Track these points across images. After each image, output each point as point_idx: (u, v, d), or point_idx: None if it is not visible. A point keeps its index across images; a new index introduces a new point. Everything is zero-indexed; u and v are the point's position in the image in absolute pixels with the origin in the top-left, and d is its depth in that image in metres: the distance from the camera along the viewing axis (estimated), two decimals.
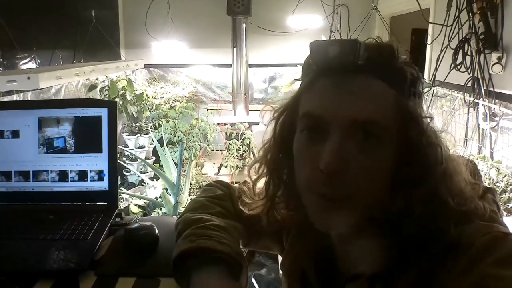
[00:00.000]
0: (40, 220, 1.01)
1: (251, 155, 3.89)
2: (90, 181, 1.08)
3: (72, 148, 1.09)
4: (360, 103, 0.61)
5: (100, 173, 1.08)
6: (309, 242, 0.78)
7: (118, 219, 1.04)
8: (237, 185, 0.97)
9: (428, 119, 0.65)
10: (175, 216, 2.85)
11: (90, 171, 1.08)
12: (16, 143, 1.10)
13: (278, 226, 0.82)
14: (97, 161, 1.08)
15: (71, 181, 1.09)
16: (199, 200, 0.90)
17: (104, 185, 1.08)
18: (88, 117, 1.09)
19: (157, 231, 0.93)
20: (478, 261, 0.56)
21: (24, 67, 2.77)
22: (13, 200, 1.10)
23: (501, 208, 0.73)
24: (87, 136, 1.09)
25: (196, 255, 0.72)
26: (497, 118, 2.28)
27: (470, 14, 2.33)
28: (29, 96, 2.69)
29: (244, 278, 0.77)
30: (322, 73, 0.66)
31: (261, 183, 0.80)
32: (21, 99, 2.55)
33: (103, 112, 1.08)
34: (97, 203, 1.08)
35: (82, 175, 1.08)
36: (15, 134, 1.10)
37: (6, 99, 2.36)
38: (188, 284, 0.71)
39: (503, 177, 2.03)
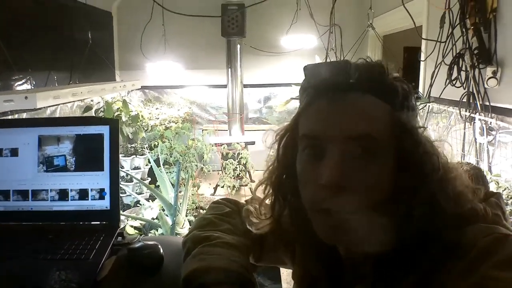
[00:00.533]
0: (40, 239, 0.98)
1: (247, 174, 3.87)
2: (91, 200, 1.06)
3: (73, 166, 1.07)
4: (353, 119, 0.63)
5: (101, 192, 1.06)
6: (317, 252, 0.78)
7: (120, 238, 1.02)
8: (243, 202, 0.95)
9: (423, 130, 0.67)
10: (179, 236, 2.82)
11: (91, 189, 1.06)
12: (15, 161, 1.08)
13: (285, 242, 0.84)
14: (98, 180, 1.06)
15: (71, 200, 1.06)
16: (206, 217, 0.88)
17: (105, 204, 1.06)
18: (89, 135, 1.07)
19: (161, 251, 0.91)
20: (479, 262, 0.56)
21: (19, 88, 2.76)
22: (11, 219, 1.07)
23: (506, 212, 0.72)
24: (88, 154, 1.07)
25: (208, 274, 0.70)
26: (493, 132, 2.29)
27: (464, 30, 2.35)
28: (24, 117, 2.66)
29: None
30: (318, 94, 0.68)
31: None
32: None
33: (104, 130, 1.07)
34: (98, 222, 1.05)
35: (83, 194, 1.06)
36: (14, 152, 1.08)
37: None
38: None
39: (503, 190, 2.02)
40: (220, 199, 0.98)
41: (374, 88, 0.65)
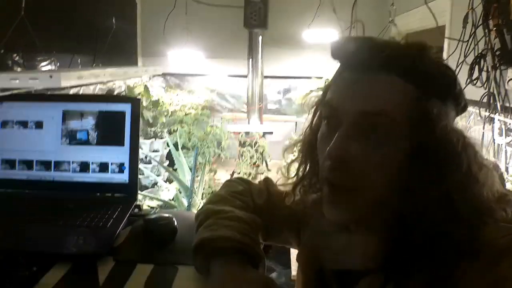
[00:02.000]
0: (60, 208, 1.03)
1: (264, 164, 3.90)
2: (111, 173, 1.11)
3: (95, 140, 1.11)
4: (370, 96, 0.62)
5: (121, 166, 1.11)
6: (325, 233, 0.79)
7: (136, 210, 1.06)
8: (257, 182, 0.99)
9: (453, 125, 0.64)
10: (194, 210, 2.88)
11: (111, 163, 1.11)
12: (39, 133, 1.13)
13: (294, 218, 0.86)
14: (118, 154, 1.11)
15: (92, 172, 1.11)
16: (220, 194, 0.92)
17: (124, 177, 1.11)
18: (111, 112, 1.12)
19: (176, 223, 0.95)
20: (496, 262, 0.55)
21: (43, 69, 2.82)
22: (33, 188, 1.12)
23: None
24: (109, 130, 1.12)
25: (217, 243, 0.74)
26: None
27: (486, 31, 2.33)
28: None
29: (261, 270, 0.79)
30: (345, 67, 0.69)
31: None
32: None
33: (126, 107, 1.11)
34: (117, 195, 1.10)
35: (103, 167, 1.11)
36: (38, 125, 1.13)
37: None
38: (208, 271, 0.73)
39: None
40: (234, 177, 1.02)
41: (405, 71, 0.62)
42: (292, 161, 0.83)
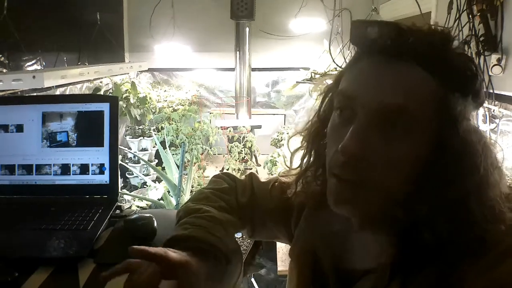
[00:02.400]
0: (42, 212, 1.03)
1: (253, 158, 3.90)
2: (92, 174, 1.11)
3: (75, 142, 1.11)
4: (391, 88, 0.58)
5: (101, 167, 1.10)
6: (325, 225, 0.77)
7: (118, 211, 1.06)
8: (243, 177, 0.98)
9: (472, 121, 0.61)
10: (174, 209, 2.88)
11: (92, 164, 1.11)
12: (20, 137, 1.13)
13: (302, 198, 0.81)
14: (98, 155, 1.10)
15: (73, 174, 1.11)
16: (204, 191, 0.92)
17: (105, 178, 1.10)
18: (90, 112, 1.11)
19: (155, 223, 0.95)
20: (500, 261, 0.54)
21: (29, 69, 2.80)
22: (16, 193, 1.12)
23: None
24: (89, 131, 1.11)
25: (186, 242, 0.73)
26: (496, 120, 2.29)
27: (470, 16, 2.34)
28: None
29: (234, 271, 0.79)
30: (364, 53, 0.64)
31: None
32: None
33: (105, 107, 1.11)
34: (98, 196, 1.10)
35: (84, 169, 1.11)
36: (19, 128, 1.13)
37: None
38: None
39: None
40: (221, 173, 1.00)
41: (428, 61, 0.58)
42: (296, 151, 0.80)
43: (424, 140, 0.58)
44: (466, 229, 0.57)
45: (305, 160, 0.78)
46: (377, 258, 0.67)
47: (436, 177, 0.58)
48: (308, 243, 0.80)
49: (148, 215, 0.97)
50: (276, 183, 0.90)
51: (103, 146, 1.10)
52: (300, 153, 0.80)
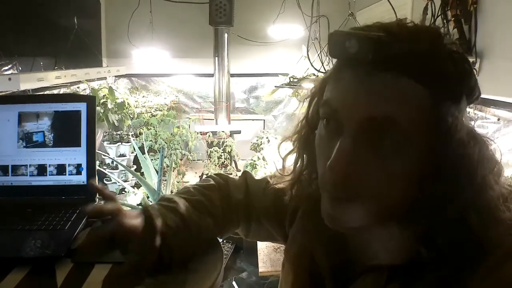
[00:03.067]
0: (19, 213, 1.01)
1: (233, 164, 3.90)
2: (69, 175, 1.09)
3: (51, 142, 1.10)
4: (376, 100, 0.55)
5: (78, 167, 1.09)
6: (322, 225, 0.75)
7: None
8: (237, 177, 0.98)
9: (468, 125, 0.58)
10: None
11: (69, 165, 1.09)
12: None
13: (297, 200, 0.80)
14: (75, 155, 1.09)
15: (49, 175, 1.09)
16: (187, 186, 0.92)
17: (82, 179, 1.09)
18: (67, 111, 1.10)
19: None
20: (502, 263, 0.53)
21: (5, 74, 2.75)
22: None
23: None
24: (66, 131, 1.10)
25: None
26: (472, 122, 2.35)
27: (445, 21, 2.40)
28: None
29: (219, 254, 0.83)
30: (345, 64, 0.61)
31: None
32: None
33: (82, 106, 1.10)
34: (75, 197, 1.08)
35: (61, 169, 1.09)
36: None
37: None
38: None
39: None
40: (214, 173, 1.00)
41: (412, 70, 0.54)
42: (287, 155, 0.79)
43: (416, 152, 0.56)
44: (465, 236, 0.55)
45: (298, 165, 0.76)
46: (374, 259, 0.66)
47: (432, 191, 0.56)
48: (303, 244, 0.79)
49: None
50: (271, 181, 0.89)
51: (80, 146, 1.09)
52: (292, 157, 0.79)
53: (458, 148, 0.55)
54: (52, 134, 1.10)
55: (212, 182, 0.94)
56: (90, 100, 1.10)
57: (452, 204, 0.55)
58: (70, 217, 0.98)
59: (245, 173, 0.98)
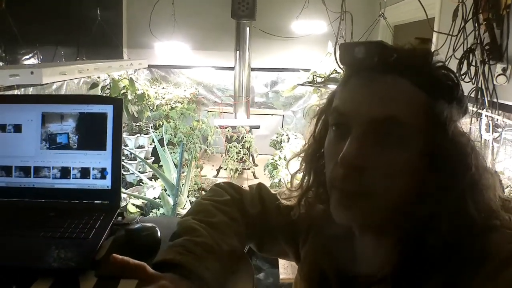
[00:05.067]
0: (40, 217, 0.99)
1: (251, 158, 3.87)
2: (93, 179, 1.06)
3: (75, 144, 1.07)
4: (381, 101, 0.62)
5: (103, 171, 1.06)
6: (331, 242, 0.78)
7: (119, 218, 1.03)
8: (247, 188, 0.95)
9: (463, 127, 0.65)
10: (180, 209, 2.83)
11: (93, 168, 1.06)
12: (18, 137, 1.08)
13: (306, 220, 0.83)
14: (100, 159, 1.06)
15: (73, 178, 1.07)
16: (203, 203, 0.88)
17: (106, 183, 1.06)
18: (92, 113, 1.07)
19: (159, 233, 0.91)
20: (503, 269, 0.55)
21: (26, 62, 2.75)
22: (12, 196, 1.07)
23: None
24: (91, 133, 1.07)
25: (174, 268, 0.69)
26: (499, 129, 2.27)
27: (476, 25, 2.32)
28: (30, 92, 2.66)
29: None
30: (352, 72, 0.68)
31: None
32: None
33: (108, 109, 1.06)
34: (99, 202, 1.06)
35: (85, 173, 1.06)
36: (17, 128, 1.08)
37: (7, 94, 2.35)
38: None
39: (505, 188, 2.02)
40: (223, 182, 0.97)
41: (413, 74, 0.63)
42: (296, 173, 0.83)
43: (418, 146, 0.62)
44: (466, 227, 0.59)
45: (305, 181, 0.80)
46: (381, 270, 0.68)
47: (432, 181, 0.61)
48: (316, 263, 0.80)
49: (151, 224, 0.93)
50: (280, 198, 0.88)
51: (105, 149, 1.06)
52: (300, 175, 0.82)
53: (453, 138, 0.62)
54: (77, 136, 1.07)
55: (227, 196, 0.90)
56: (117, 103, 1.07)
57: (451, 192, 0.60)
58: (94, 224, 0.95)
59: (259, 185, 0.95)
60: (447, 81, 0.64)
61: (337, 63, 2.66)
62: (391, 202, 0.63)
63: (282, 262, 2.15)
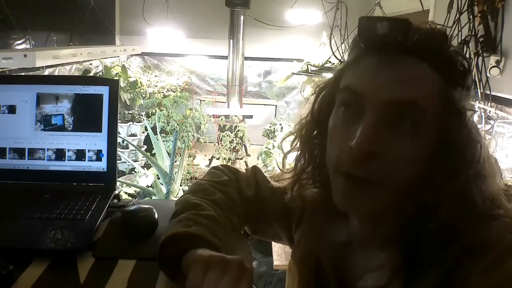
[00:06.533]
0: (36, 199, 0.98)
1: (243, 148, 3.87)
2: (88, 161, 1.05)
3: (71, 126, 1.06)
4: (400, 83, 0.59)
5: (98, 153, 1.05)
6: (326, 228, 0.76)
7: (115, 201, 1.02)
8: (245, 170, 0.94)
9: (471, 114, 0.62)
10: (174, 199, 2.82)
11: (88, 150, 1.05)
12: (12, 119, 1.06)
13: (300, 203, 0.80)
14: (96, 141, 1.05)
15: (68, 160, 1.06)
16: (201, 183, 0.87)
17: (102, 165, 1.05)
18: (88, 95, 1.06)
19: (156, 215, 0.91)
20: (504, 258, 0.54)
21: (18, 47, 2.71)
22: (6, 178, 1.06)
23: None
24: (86, 115, 1.06)
25: (190, 241, 0.68)
26: (492, 121, 2.29)
27: (471, 17, 2.33)
28: None
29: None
30: (369, 50, 0.64)
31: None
32: None
33: (104, 90, 1.05)
34: (95, 184, 1.05)
35: (80, 155, 1.05)
36: (11, 109, 1.07)
37: None
38: (173, 272, 0.70)
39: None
40: (220, 165, 0.95)
41: (431, 57, 0.60)
42: (288, 152, 0.79)
43: (433, 133, 0.60)
44: (469, 214, 0.58)
45: (299, 163, 0.76)
46: (378, 261, 0.67)
47: (441, 169, 0.59)
48: (310, 247, 0.79)
49: (147, 206, 0.92)
50: (271, 181, 0.87)
51: (101, 131, 1.05)
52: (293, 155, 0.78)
53: (468, 128, 0.60)
54: (72, 118, 1.06)
55: (224, 176, 0.89)
56: (113, 84, 1.05)
57: (458, 179, 0.58)
58: (90, 206, 0.94)
59: (254, 168, 0.94)
60: (462, 67, 0.62)
61: (333, 53, 2.65)
62: (399, 189, 0.61)
63: (276, 249, 2.15)
